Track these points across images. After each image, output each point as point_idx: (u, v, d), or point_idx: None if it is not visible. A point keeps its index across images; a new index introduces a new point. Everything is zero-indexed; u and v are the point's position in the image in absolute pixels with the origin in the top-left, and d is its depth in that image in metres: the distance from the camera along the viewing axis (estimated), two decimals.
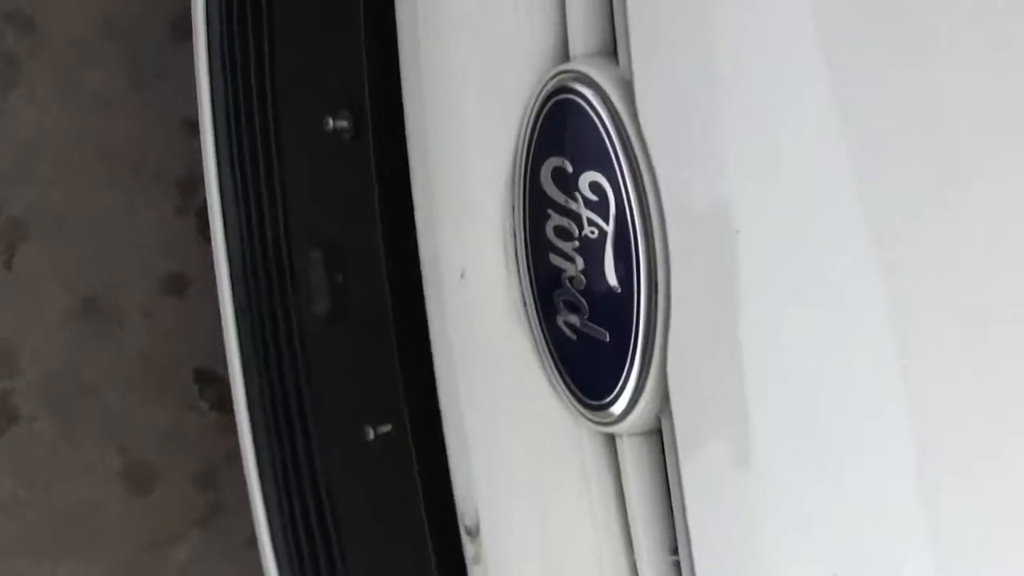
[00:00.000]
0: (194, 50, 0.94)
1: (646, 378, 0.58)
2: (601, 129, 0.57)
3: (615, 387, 0.59)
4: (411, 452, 0.69)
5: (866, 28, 0.47)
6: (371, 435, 0.70)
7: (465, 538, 0.66)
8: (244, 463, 0.95)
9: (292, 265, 0.79)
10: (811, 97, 0.49)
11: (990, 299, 0.44)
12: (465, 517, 0.66)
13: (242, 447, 0.95)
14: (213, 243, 0.92)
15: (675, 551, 0.61)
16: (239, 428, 0.94)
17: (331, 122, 0.69)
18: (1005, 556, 0.45)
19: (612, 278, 0.58)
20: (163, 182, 1.23)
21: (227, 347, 0.95)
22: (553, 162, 0.59)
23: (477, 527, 0.65)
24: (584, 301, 0.59)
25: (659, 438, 0.61)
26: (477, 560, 0.66)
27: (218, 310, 1.14)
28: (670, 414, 0.57)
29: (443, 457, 0.68)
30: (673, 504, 0.59)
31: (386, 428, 0.71)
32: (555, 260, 0.60)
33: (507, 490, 0.65)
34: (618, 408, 0.59)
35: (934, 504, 0.47)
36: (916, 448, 0.47)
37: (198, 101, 0.94)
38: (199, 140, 1.06)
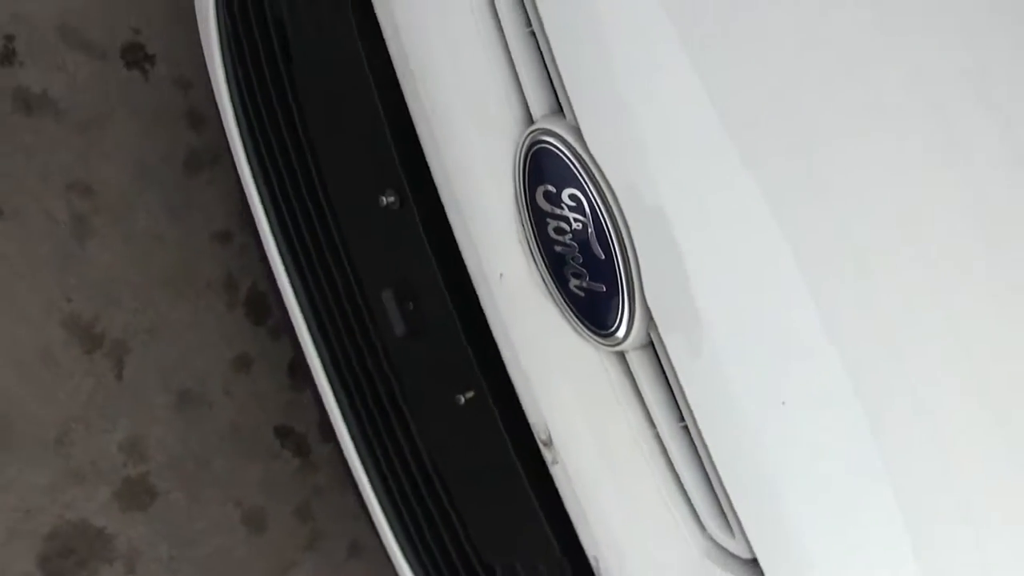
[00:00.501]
0: (240, 168, 1.26)
1: (635, 309, 0.92)
2: (567, 160, 0.92)
3: (616, 320, 0.93)
4: (490, 404, 1.02)
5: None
6: (461, 401, 1.04)
7: (543, 449, 0.99)
8: (350, 457, 1.25)
9: (369, 306, 1.13)
10: (687, 103, 0.84)
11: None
12: (540, 434, 0.99)
13: (344, 448, 1.25)
14: (289, 304, 1.24)
15: (681, 419, 0.95)
16: (338, 433, 1.24)
17: (384, 199, 1.03)
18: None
19: (598, 251, 0.92)
20: (212, 287, 1.55)
21: (321, 389, 1.26)
22: (542, 188, 0.94)
23: (549, 438, 0.99)
24: (584, 270, 0.93)
25: (652, 349, 0.95)
26: (555, 461, 0.99)
27: (279, 377, 1.47)
28: (655, 327, 0.92)
29: (513, 404, 1.01)
30: (672, 385, 0.94)
31: (470, 394, 1.04)
32: (559, 248, 0.94)
33: (562, 407, 0.98)
34: (621, 332, 0.93)
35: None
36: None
37: (254, 210, 1.26)
38: (229, 247, 1.40)
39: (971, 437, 0.82)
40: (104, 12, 1.56)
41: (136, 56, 1.57)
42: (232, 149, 1.29)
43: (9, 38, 1.47)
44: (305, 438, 1.57)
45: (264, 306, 1.58)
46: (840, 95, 0.82)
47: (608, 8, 0.88)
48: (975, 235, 0.81)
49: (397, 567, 1.26)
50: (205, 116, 1.60)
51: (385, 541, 1.26)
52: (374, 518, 1.27)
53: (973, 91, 0.81)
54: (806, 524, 0.90)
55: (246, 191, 1.28)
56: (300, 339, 1.26)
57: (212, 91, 1.47)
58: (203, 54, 1.40)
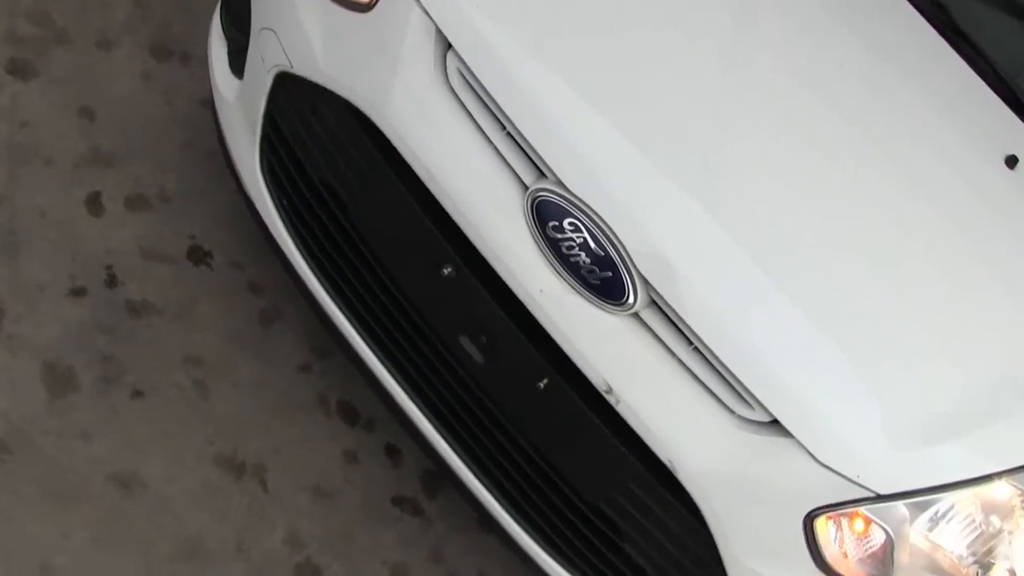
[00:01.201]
0: (322, 300, 1.74)
1: (635, 281, 1.41)
2: (560, 202, 1.42)
3: (625, 293, 1.42)
4: (560, 381, 1.49)
5: None
6: (541, 386, 1.51)
7: (607, 397, 1.46)
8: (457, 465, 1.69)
9: (453, 353, 1.59)
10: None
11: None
12: (602, 387, 1.46)
13: (461, 475, 1.69)
14: (387, 384, 1.70)
15: (691, 343, 1.43)
16: (453, 464, 1.69)
17: (445, 269, 1.51)
18: None
19: (599, 250, 1.41)
20: (310, 406, 2.01)
21: (429, 436, 1.70)
22: (550, 224, 1.43)
23: (609, 387, 1.45)
24: (594, 267, 1.42)
25: (656, 307, 1.44)
26: (618, 401, 1.46)
27: (381, 459, 1.92)
28: (653, 288, 1.41)
29: (576, 376, 1.48)
30: (675, 322, 1.42)
31: (545, 380, 1.51)
32: (572, 259, 1.43)
33: (612, 361, 1.45)
34: (631, 300, 1.42)
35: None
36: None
37: (342, 328, 1.73)
38: (312, 374, 1.91)
39: None
40: (165, 230, 2.06)
41: (199, 255, 2.07)
42: (309, 288, 1.76)
43: (109, 267, 1.96)
44: (416, 501, 2.01)
45: (352, 410, 2.04)
46: None
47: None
48: None
49: (527, 548, 1.69)
50: (261, 285, 2.09)
51: (509, 529, 1.69)
52: (496, 516, 1.70)
53: None
54: (790, 380, 1.39)
55: (329, 315, 1.74)
56: (402, 404, 1.71)
57: (263, 266, 2.00)
58: (242, 239, 1.94)
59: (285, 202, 1.75)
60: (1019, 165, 1.78)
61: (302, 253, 1.74)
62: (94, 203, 2.03)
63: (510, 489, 1.66)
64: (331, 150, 1.63)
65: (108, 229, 2.01)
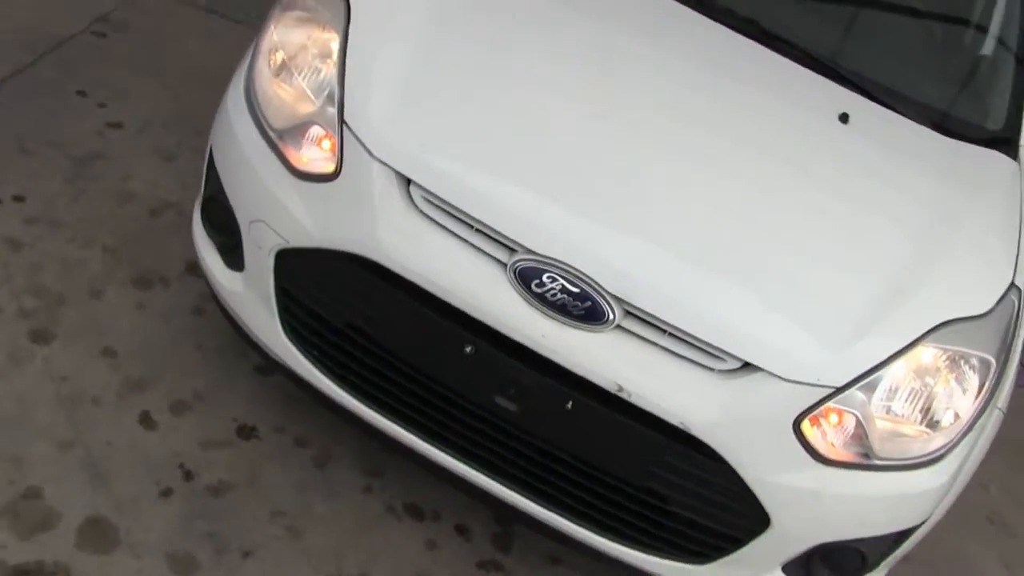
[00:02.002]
0: (378, 424, 2.25)
1: (610, 301, 1.97)
2: (535, 265, 1.98)
3: (605, 313, 1.98)
4: (580, 397, 2.03)
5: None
6: (569, 407, 2.04)
7: (620, 394, 1.99)
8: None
9: (491, 411, 2.12)
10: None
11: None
12: (613, 387, 1.99)
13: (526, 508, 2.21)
14: (450, 465, 2.21)
15: (664, 331, 2.00)
16: (520, 504, 2.20)
17: (467, 349, 2.05)
18: None
19: (576, 289, 1.97)
20: (388, 514, 2.50)
21: (492, 488, 2.21)
22: (532, 282, 1.98)
23: (619, 386, 2.00)
24: (576, 302, 1.97)
25: (632, 315, 2.00)
26: (629, 395, 2.00)
27: (456, 538, 2.43)
28: (625, 302, 1.98)
29: (594, 389, 2.02)
30: (648, 320, 1.99)
31: (570, 402, 2.04)
32: (558, 303, 1.98)
33: (613, 364, 1.99)
34: (611, 316, 1.98)
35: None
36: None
37: (400, 437, 2.24)
38: (374, 494, 2.38)
39: None
40: (211, 421, 2.56)
41: (246, 432, 2.57)
42: (359, 415, 2.26)
43: (181, 465, 2.44)
44: (495, 559, 2.50)
45: (417, 508, 2.54)
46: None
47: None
48: None
49: (602, 547, 2.19)
50: (305, 438, 2.60)
51: (583, 538, 2.19)
52: (570, 532, 2.20)
53: None
54: (744, 329, 1.97)
55: (384, 430, 2.23)
56: (464, 475, 2.20)
57: (300, 423, 2.52)
58: (275, 408, 2.45)
59: (315, 352, 2.26)
60: (851, 119, 2.49)
61: (344, 388, 2.24)
62: (146, 420, 2.51)
63: (573, 504, 2.17)
64: (343, 295, 2.16)
65: (167, 436, 2.50)
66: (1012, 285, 2.25)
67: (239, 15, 4.37)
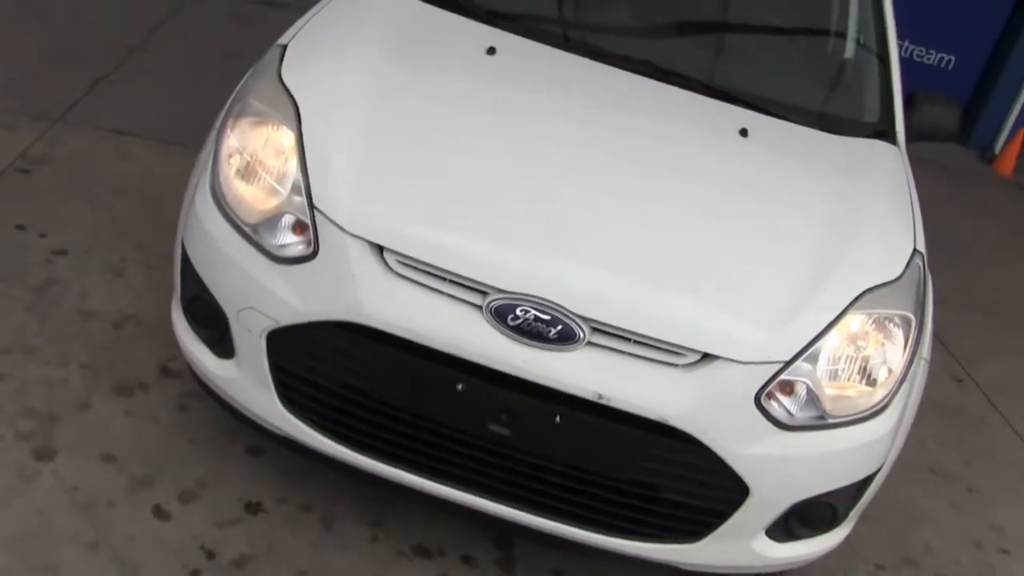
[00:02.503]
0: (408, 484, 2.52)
1: (578, 322, 2.29)
2: (507, 301, 2.28)
3: (576, 333, 2.28)
4: (568, 410, 2.32)
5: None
6: (557, 420, 2.33)
7: (601, 401, 2.29)
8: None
9: (487, 439, 2.39)
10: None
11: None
12: (594, 397, 2.29)
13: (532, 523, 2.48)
14: (471, 502, 2.48)
15: (629, 340, 2.32)
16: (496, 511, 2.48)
17: (458, 386, 2.33)
18: None
19: (547, 316, 2.28)
20: (415, 559, 2.75)
21: (500, 512, 2.48)
22: (508, 317, 2.28)
23: (600, 395, 2.30)
24: (549, 327, 2.27)
25: (600, 331, 2.32)
26: (608, 400, 2.30)
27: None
28: (589, 319, 2.29)
29: (577, 402, 2.31)
30: (611, 331, 2.31)
31: (557, 417, 2.33)
32: (534, 331, 2.27)
33: (592, 377, 2.29)
34: (582, 335, 2.28)
35: None
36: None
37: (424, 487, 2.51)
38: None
39: None
40: (219, 504, 2.78)
41: (253, 508, 2.79)
42: (366, 470, 2.51)
43: (202, 546, 2.66)
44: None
45: (423, 548, 2.79)
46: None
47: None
48: None
49: (602, 544, 2.48)
50: (309, 504, 2.84)
51: (585, 540, 2.47)
52: (572, 537, 2.48)
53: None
54: (696, 325, 2.30)
55: (392, 478, 2.48)
56: (470, 504, 2.46)
57: (301, 491, 2.75)
58: (276, 482, 2.68)
59: (315, 417, 2.52)
60: (750, 132, 2.88)
61: (347, 446, 2.49)
62: (160, 512, 2.72)
63: (572, 510, 2.45)
64: (335, 359, 2.42)
65: (182, 523, 2.71)
66: (915, 251, 2.67)
67: (149, 132, 4.64)
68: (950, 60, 8.42)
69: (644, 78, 3.05)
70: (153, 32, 5.83)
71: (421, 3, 3.16)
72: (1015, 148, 8.15)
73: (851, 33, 3.68)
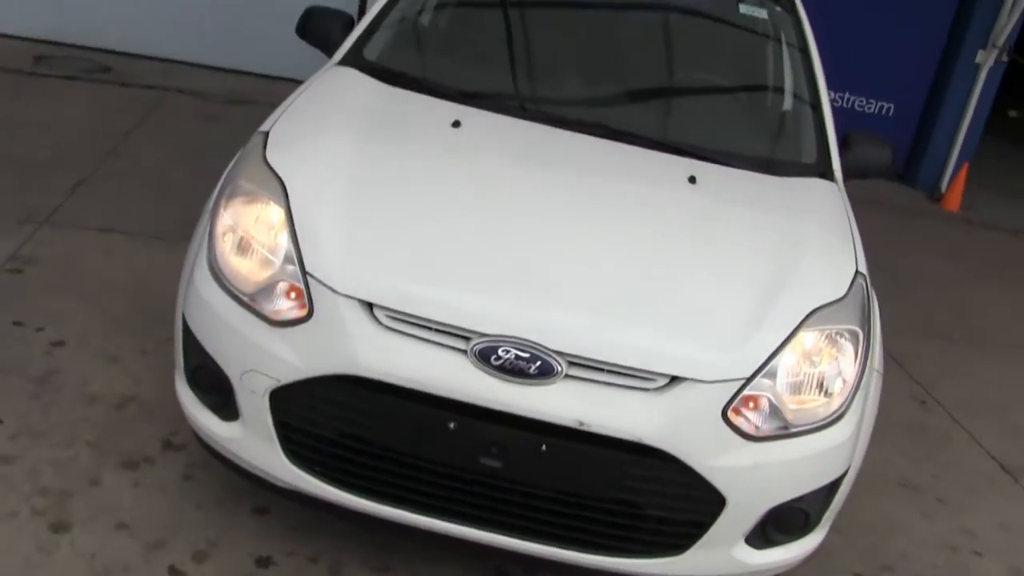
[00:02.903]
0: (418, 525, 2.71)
1: (556, 357, 2.52)
2: (490, 344, 2.51)
3: (554, 368, 2.52)
4: (553, 441, 2.54)
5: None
6: (543, 448, 2.55)
7: (582, 427, 2.51)
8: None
9: (480, 472, 2.60)
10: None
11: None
12: (575, 424, 2.51)
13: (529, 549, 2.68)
14: (468, 534, 2.68)
15: (602, 368, 2.55)
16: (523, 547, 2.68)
17: (450, 425, 2.55)
18: None
19: (527, 354, 2.51)
20: None
21: (498, 541, 2.67)
22: (491, 358, 2.51)
23: (581, 422, 2.52)
24: (529, 364, 2.50)
25: (576, 364, 2.55)
26: (588, 426, 2.52)
27: None
28: (566, 354, 2.53)
29: (560, 431, 2.53)
30: (586, 362, 2.54)
31: (543, 446, 2.55)
32: (515, 368, 2.50)
33: (573, 407, 2.52)
34: (559, 369, 2.52)
35: None
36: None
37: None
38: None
39: None
40: (231, 561, 2.96)
41: (263, 562, 2.96)
42: (372, 514, 2.71)
43: None
44: None
45: None
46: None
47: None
48: None
49: (593, 564, 2.68)
50: (316, 556, 3.02)
51: (576, 561, 2.67)
52: (564, 559, 2.68)
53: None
54: (661, 352, 2.54)
55: (396, 520, 2.67)
56: (470, 537, 2.66)
57: (307, 544, 2.93)
58: (283, 536, 2.87)
59: (319, 468, 2.72)
60: (698, 179, 3.17)
61: (352, 492, 2.68)
62: (175, 572, 2.89)
63: (564, 534, 2.65)
64: (336, 411, 2.63)
65: None
66: (857, 272, 2.97)
67: (132, 228, 4.87)
68: (889, 108, 8.86)
69: (599, 139, 3.35)
70: (126, 136, 6.10)
71: (388, 87, 3.47)
72: (959, 185, 8.55)
73: (787, 86, 4.05)
